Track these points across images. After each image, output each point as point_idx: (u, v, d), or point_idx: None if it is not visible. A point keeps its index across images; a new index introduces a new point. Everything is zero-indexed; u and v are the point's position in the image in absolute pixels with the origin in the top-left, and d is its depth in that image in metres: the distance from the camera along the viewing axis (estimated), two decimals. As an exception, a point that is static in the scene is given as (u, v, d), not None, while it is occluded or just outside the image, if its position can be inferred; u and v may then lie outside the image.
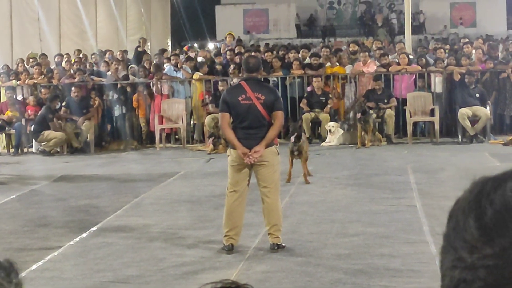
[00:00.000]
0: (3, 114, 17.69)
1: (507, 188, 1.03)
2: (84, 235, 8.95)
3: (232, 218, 7.97)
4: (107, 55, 21.06)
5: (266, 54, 19.40)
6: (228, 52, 19.87)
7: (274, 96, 8.05)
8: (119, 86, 18.24)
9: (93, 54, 21.44)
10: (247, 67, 8.19)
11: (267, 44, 27.28)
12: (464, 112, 16.25)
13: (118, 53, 20.51)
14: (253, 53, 17.96)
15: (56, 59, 20.13)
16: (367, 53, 18.50)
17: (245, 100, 7.90)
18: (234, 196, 7.97)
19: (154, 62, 19.85)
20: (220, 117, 8.15)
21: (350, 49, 20.19)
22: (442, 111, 17.25)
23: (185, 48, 25.90)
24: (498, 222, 1.02)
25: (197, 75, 18.23)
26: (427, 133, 17.88)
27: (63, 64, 19.50)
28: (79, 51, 21.65)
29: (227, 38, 23.42)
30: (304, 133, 11.95)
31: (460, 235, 1.06)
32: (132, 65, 19.74)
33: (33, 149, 17.64)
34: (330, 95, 17.37)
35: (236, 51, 19.94)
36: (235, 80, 16.00)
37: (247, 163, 7.84)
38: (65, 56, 20.46)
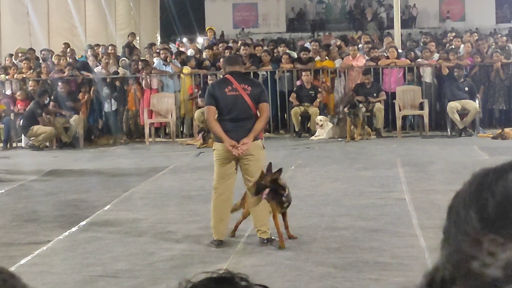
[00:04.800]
0: (-8, 109, 17.63)
1: (509, 179, 1.03)
2: (73, 229, 8.93)
3: (220, 212, 7.97)
4: (100, 48, 20.95)
5: (256, 48, 19.35)
6: (207, 50, 19.73)
7: (260, 88, 8.14)
8: (108, 80, 18.18)
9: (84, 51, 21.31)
10: (229, 61, 8.36)
11: (262, 40, 27.18)
12: (453, 106, 16.28)
13: (110, 47, 20.40)
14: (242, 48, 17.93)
15: (42, 54, 19.95)
16: (356, 47, 18.48)
17: (231, 92, 7.92)
18: (221, 190, 7.96)
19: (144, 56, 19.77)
20: (206, 111, 8.13)
21: (338, 43, 20.19)
22: (432, 104, 17.28)
23: (176, 45, 25.86)
24: (500, 214, 1.01)
25: (186, 69, 18.19)
26: (416, 126, 17.89)
27: (53, 59, 19.36)
28: (67, 44, 21.49)
29: (208, 33, 23.30)
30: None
31: (461, 228, 1.04)
32: (123, 58, 19.59)
33: (22, 144, 17.55)
34: (320, 89, 17.37)
35: (224, 46, 19.88)
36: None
37: (234, 157, 7.84)
38: (54, 58, 20.32)
